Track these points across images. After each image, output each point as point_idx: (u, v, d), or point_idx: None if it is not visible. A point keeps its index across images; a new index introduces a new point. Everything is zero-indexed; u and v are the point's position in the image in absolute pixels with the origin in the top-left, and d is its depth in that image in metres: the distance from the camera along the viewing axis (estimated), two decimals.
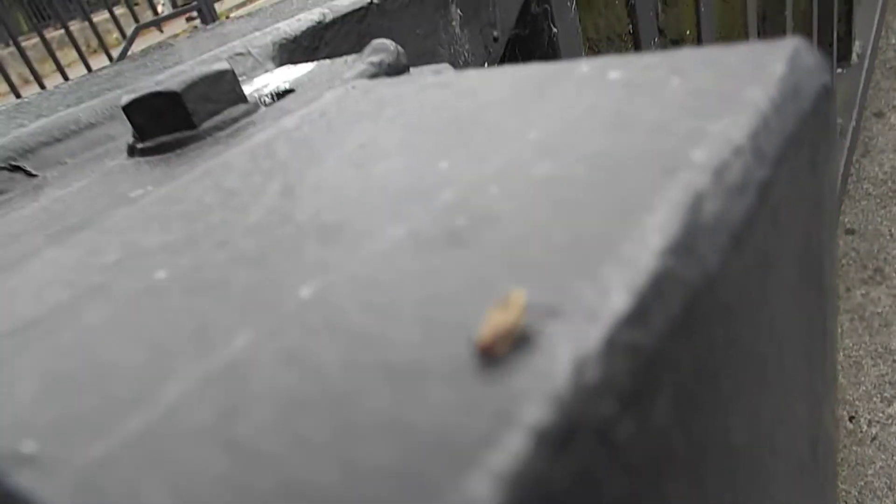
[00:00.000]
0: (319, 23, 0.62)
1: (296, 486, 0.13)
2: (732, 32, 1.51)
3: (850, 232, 2.15)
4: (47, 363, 0.19)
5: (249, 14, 0.81)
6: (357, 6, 0.65)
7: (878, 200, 2.23)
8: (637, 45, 1.07)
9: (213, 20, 3.97)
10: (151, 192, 0.32)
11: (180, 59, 0.61)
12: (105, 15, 4.11)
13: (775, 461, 0.24)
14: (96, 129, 0.49)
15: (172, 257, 0.24)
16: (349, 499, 0.12)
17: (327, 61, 0.49)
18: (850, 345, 1.84)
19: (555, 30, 0.88)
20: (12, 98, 3.26)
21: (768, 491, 0.24)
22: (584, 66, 0.28)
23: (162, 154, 0.40)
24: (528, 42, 0.89)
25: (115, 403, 0.17)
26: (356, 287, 0.19)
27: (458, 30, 0.76)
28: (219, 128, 0.40)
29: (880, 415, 1.68)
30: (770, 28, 1.80)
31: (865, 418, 1.68)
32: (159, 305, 0.21)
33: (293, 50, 0.60)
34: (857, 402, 1.71)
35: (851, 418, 1.69)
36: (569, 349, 0.14)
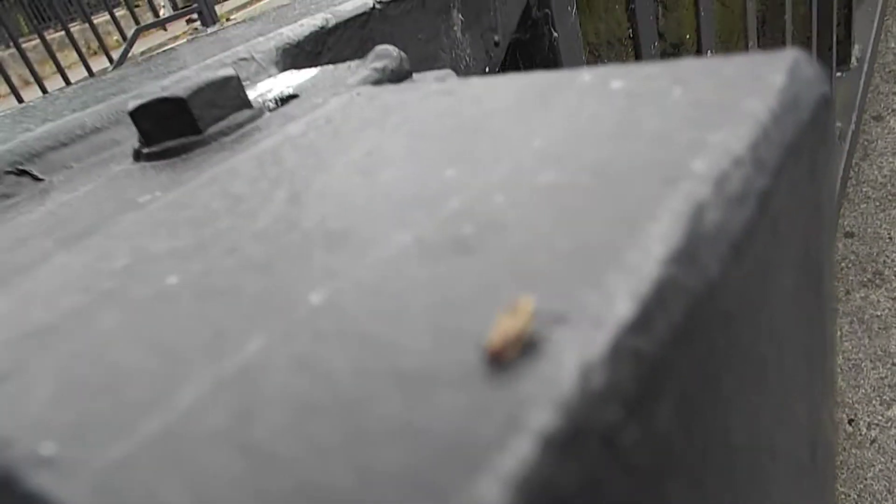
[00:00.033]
0: (322, 28, 0.63)
1: (311, 489, 0.13)
2: (732, 37, 1.51)
3: (850, 235, 2.15)
4: (63, 367, 0.20)
5: (252, 18, 0.81)
6: (359, 11, 0.65)
7: (878, 204, 2.24)
8: (637, 50, 1.07)
9: (214, 22, 3.98)
10: (159, 197, 0.33)
11: (184, 64, 0.61)
12: (105, 17, 4.11)
13: (775, 464, 0.25)
14: (102, 134, 0.49)
15: (182, 263, 0.24)
16: (364, 501, 0.13)
17: (330, 66, 0.50)
18: (850, 348, 1.84)
19: (555, 34, 0.88)
20: (13, 99, 3.27)
21: (768, 493, 0.25)
22: (587, 75, 0.28)
23: (167, 159, 0.40)
24: (529, 46, 0.90)
25: (131, 407, 0.17)
26: (365, 294, 0.19)
27: (459, 34, 0.76)
28: (224, 133, 0.41)
29: (879, 418, 1.68)
30: (769, 32, 1.81)
31: (865, 421, 1.68)
32: (171, 310, 0.21)
33: (296, 55, 0.61)
34: (856, 405, 1.72)
35: (851, 421, 1.69)
36: (575, 355, 0.15)
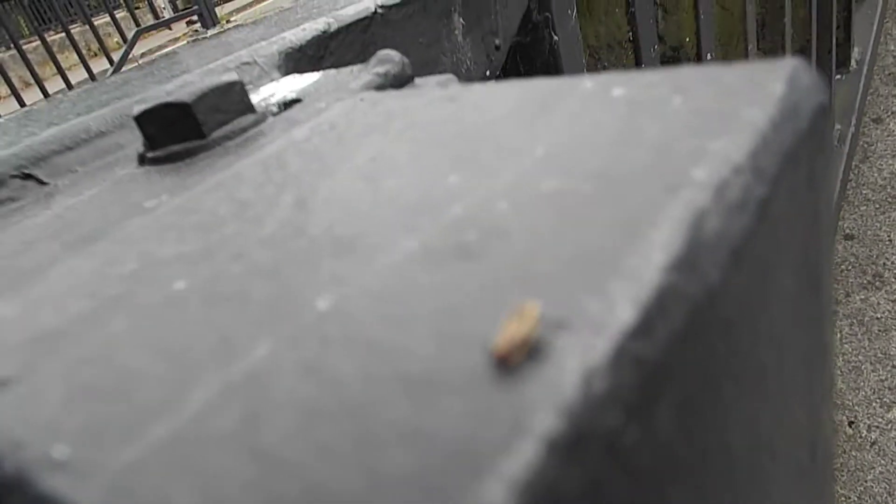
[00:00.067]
0: (324, 32, 0.63)
1: (321, 493, 0.14)
2: (732, 40, 1.52)
3: (850, 237, 2.16)
4: (73, 371, 0.20)
5: (254, 21, 0.81)
6: (361, 16, 0.66)
7: (877, 206, 2.24)
8: (637, 53, 1.08)
9: (214, 24, 3.99)
10: (165, 202, 0.33)
11: (187, 68, 0.62)
12: (106, 18, 4.12)
13: (775, 466, 0.25)
14: (106, 138, 0.50)
15: (189, 268, 0.24)
16: None
17: (333, 71, 0.50)
18: (850, 350, 1.85)
19: (556, 38, 0.89)
20: (13, 101, 3.27)
21: (768, 495, 0.25)
22: (588, 83, 0.29)
23: (172, 163, 0.41)
24: (530, 50, 0.90)
25: (141, 410, 0.17)
26: (371, 299, 0.19)
27: (460, 38, 0.77)
28: (228, 137, 0.41)
29: (879, 420, 1.69)
30: (769, 35, 1.81)
31: (865, 423, 1.69)
32: (179, 316, 0.21)
33: (298, 59, 0.61)
34: (856, 408, 1.72)
35: (851, 423, 1.69)
36: (577, 361, 0.15)
